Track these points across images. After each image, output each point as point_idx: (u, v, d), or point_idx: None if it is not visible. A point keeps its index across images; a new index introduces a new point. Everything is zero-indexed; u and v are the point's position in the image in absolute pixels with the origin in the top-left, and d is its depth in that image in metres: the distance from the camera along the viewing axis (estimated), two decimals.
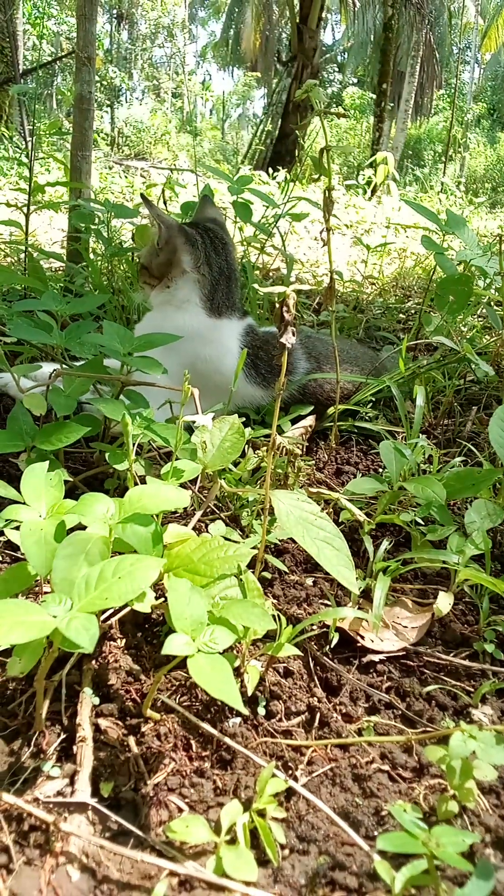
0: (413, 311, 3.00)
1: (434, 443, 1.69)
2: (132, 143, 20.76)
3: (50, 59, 15.31)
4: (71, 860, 0.66)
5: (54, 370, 1.22)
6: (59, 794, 0.71)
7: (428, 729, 0.87)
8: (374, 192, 6.10)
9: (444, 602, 1.05)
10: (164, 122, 22.58)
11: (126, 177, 8.62)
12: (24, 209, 2.51)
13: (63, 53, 16.82)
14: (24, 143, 8.63)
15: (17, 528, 1.03)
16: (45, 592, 0.96)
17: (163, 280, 1.65)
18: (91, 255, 2.75)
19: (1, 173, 7.35)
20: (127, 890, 0.64)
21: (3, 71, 9.49)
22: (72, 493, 1.16)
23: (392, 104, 13.69)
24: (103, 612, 0.96)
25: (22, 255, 2.80)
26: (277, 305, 0.77)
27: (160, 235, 1.63)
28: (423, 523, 1.23)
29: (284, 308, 0.76)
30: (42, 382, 1.30)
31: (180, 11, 27.88)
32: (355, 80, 24.79)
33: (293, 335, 0.79)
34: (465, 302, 1.78)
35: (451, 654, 1.01)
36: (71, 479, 1.21)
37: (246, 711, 0.71)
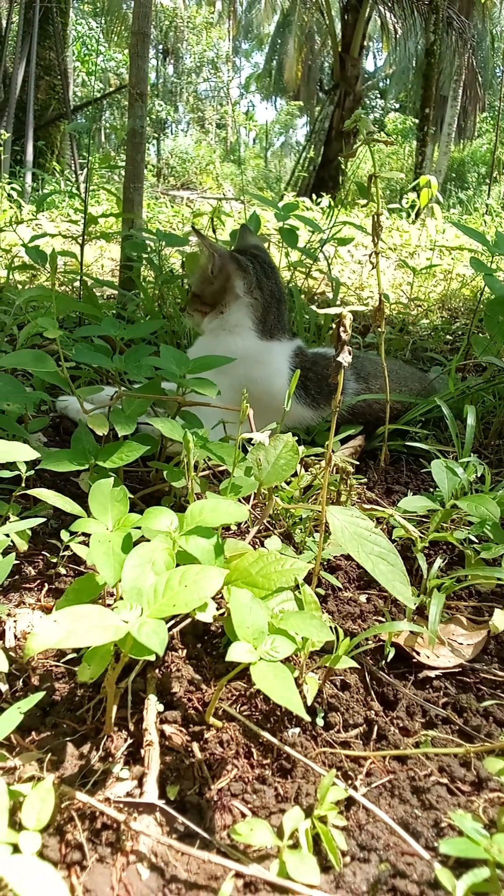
0: (461, 333, 3.00)
1: (485, 462, 1.69)
2: (177, 173, 21.27)
3: (99, 95, 15.87)
4: (141, 859, 0.68)
5: (115, 392, 1.27)
6: (129, 794, 0.74)
7: (486, 744, 0.88)
8: (417, 215, 6.11)
9: (500, 619, 1.06)
10: (208, 151, 23.09)
11: (173, 206, 8.84)
12: (79, 239, 2.61)
13: (112, 89, 17.40)
14: (73, 176, 8.95)
15: (83, 542, 1.08)
16: (109, 604, 1.00)
17: (216, 307, 1.71)
18: (143, 283, 2.84)
19: (53, 206, 7.62)
20: (194, 890, 0.66)
21: (55, 107, 9.86)
22: (131, 510, 1.19)
23: (435, 128, 13.71)
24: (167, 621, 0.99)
25: (76, 284, 2.90)
26: (334, 325, 0.80)
27: (213, 264, 1.68)
28: (476, 541, 1.24)
29: (341, 328, 0.79)
30: (102, 404, 1.35)
31: (224, 45, 28.53)
32: (397, 106, 24.94)
33: (349, 354, 0.82)
34: None
35: None
36: (132, 497, 1.25)
37: (307, 718, 0.73)
